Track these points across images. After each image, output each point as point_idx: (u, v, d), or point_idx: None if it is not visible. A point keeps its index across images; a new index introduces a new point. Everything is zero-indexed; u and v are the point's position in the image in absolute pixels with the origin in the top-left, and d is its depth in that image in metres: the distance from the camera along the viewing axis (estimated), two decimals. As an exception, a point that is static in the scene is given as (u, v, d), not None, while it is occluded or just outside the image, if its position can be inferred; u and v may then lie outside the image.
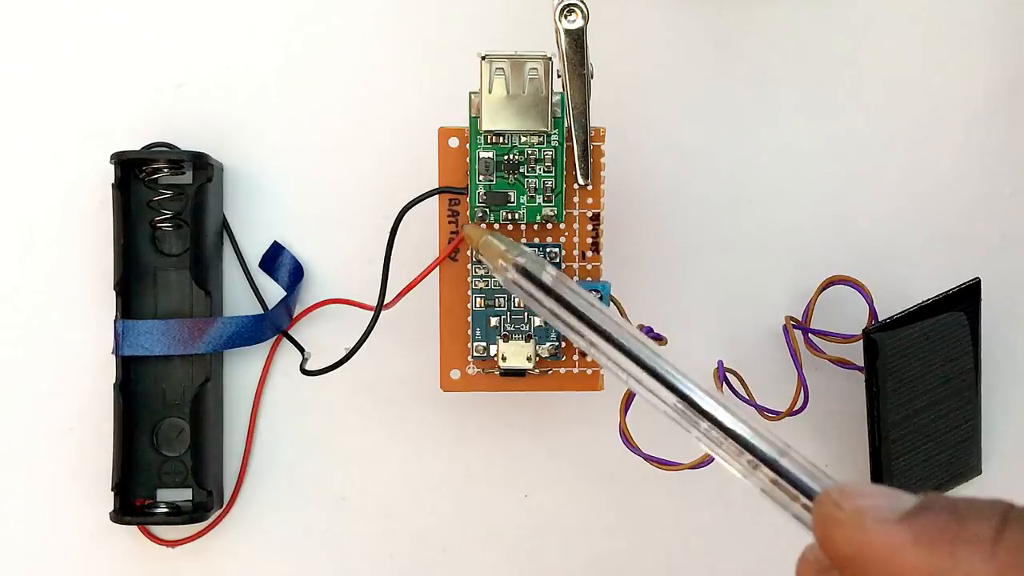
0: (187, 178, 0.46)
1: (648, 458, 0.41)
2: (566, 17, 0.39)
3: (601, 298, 0.41)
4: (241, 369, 0.47)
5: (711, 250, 0.47)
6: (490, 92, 0.40)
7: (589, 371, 0.42)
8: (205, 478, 0.45)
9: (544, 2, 0.39)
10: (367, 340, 0.42)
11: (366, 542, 0.47)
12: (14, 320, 0.47)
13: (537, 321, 0.41)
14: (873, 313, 0.44)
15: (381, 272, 0.42)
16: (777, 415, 0.43)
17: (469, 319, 0.42)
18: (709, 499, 0.47)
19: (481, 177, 0.41)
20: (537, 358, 0.41)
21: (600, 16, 0.39)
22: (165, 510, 0.45)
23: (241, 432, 0.47)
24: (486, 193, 0.41)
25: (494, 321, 0.42)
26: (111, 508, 0.45)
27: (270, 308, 0.46)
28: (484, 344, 0.42)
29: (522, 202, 0.41)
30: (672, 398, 0.28)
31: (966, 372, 0.45)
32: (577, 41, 0.39)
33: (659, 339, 0.41)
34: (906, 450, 0.45)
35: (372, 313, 0.42)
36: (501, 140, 0.41)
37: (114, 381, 0.45)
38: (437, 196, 0.42)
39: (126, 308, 0.45)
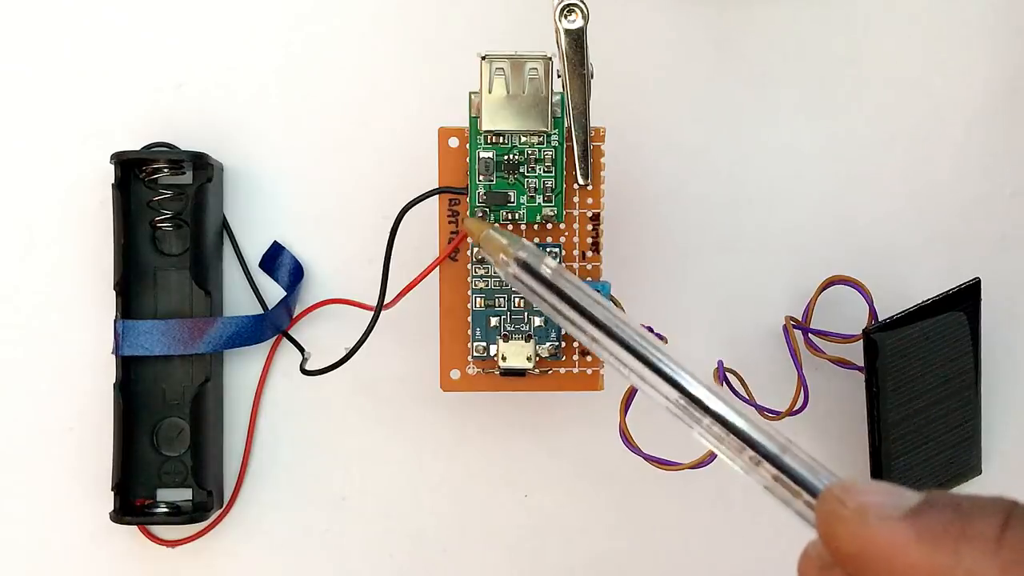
0: (187, 178, 0.46)
1: (648, 458, 0.41)
2: (566, 17, 0.39)
3: (601, 298, 0.41)
4: (241, 369, 0.47)
5: (711, 250, 0.47)
6: (490, 92, 0.40)
7: (589, 371, 0.42)
8: (205, 478, 0.45)
9: (544, 2, 0.39)
10: (367, 340, 0.42)
11: (366, 542, 0.47)
12: (14, 320, 0.47)
13: (537, 321, 0.41)
14: (873, 313, 0.44)
15: (381, 272, 0.42)
16: (777, 415, 0.43)
17: (469, 319, 0.42)
18: (709, 499, 0.47)
19: (481, 177, 0.41)
20: (537, 358, 0.41)
21: (600, 16, 0.39)
22: (165, 510, 0.45)
23: (241, 432, 0.47)
24: (486, 193, 0.41)
25: (494, 321, 0.42)
26: (111, 508, 0.45)
27: (270, 308, 0.46)
28: (484, 344, 0.42)
29: (522, 202, 0.41)
30: (674, 393, 0.28)
31: (966, 372, 0.45)
32: (577, 41, 0.39)
33: (659, 339, 0.40)
34: (906, 450, 0.45)
35: (372, 313, 0.42)
36: (501, 140, 0.41)
37: (114, 381, 0.45)
38: (437, 196, 0.42)
39: (126, 308, 0.45)
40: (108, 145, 0.46)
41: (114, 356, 0.45)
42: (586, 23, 0.38)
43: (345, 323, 0.46)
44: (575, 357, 0.42)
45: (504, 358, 0.41)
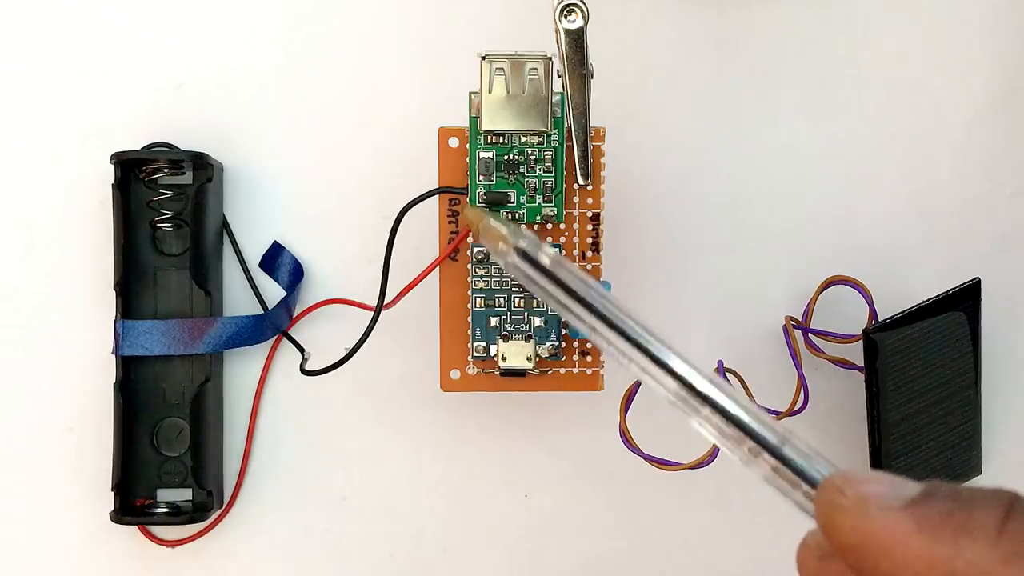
0: (187, 178, 0.46)
1: (648, 458, 0.41)
2: (566, 17, 0.39)
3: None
4: (241, 369, 0.47)
5: (711, 250, 0.47)
6: (490, 92, 0.40)
7: (589, 371, 0.42)
8: (205, 478, 0.45)
9: (544, 2, 0.39)
10: (367, 340, 0.42)
11: (366, 542, 0.47)
12: (14, 320, 0.47)
13: (537, 321, 0.42)
14: (873, 313, 0.44)
15: (381, 272, 0.42)
16: (777, 415, 0.43)
17: (469, 319, 0.42)
18: (709, 499, 0.47)
19: (481, 177, 0.41)
20: (537, 358, 0.41)
21: (600, 16, 0.39)
22: (165, 510, 0.45)
23: (241, 432, 0.47)
24: (486, 193, 0.41)
25: (494, 321, 0.42)
26: (111, 508, 0.45)
27: (270, 308, 0.46)
28: (484, 344, 0.42)
29: (522, 202, 0.41)
30: (673, 384, 0.28)
31: (966, 372, 0.45)
32: (577, 41, 0.39)
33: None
34: (906, 450, 0.45)
35: (372, 313, 0.42)
36: (501, 140, 0.41)
37: (114, 381, 0.45)
38: (437, 196, 0.42)
39: (126, 308, 0.45)
40: (108, 145, 0.46)
41: (114, 356, 0.45)
42: (586, 23, 0.38)
43: (345, 323, 0.46)
44: (575, 357, 0.42)
45: (504, 358, 0.41)
